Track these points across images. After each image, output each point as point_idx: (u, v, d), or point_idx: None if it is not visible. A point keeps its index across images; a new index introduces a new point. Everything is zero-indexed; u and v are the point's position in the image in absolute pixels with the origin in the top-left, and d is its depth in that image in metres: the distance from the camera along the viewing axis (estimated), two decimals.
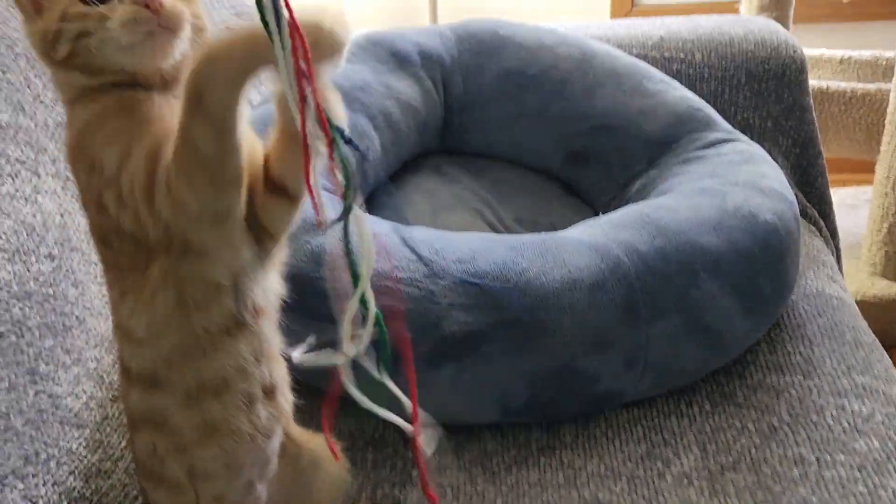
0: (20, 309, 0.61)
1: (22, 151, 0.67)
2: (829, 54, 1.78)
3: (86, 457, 0.63)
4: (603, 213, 0.92)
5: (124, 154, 0.45)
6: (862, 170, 1.98)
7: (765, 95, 1.11)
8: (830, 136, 1.63)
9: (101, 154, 0.46)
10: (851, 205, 1.93)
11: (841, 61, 1.77)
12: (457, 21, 1.11)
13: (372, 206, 0.96)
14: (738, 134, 0.96)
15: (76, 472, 0.62)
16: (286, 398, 0.55)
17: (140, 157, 0.44)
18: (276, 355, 0.53)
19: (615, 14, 2.21)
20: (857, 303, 0.99)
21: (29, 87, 0.70)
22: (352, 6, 2.30)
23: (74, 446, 0.63)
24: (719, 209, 0.79)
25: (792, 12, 1.67)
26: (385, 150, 0.95)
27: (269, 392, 0.52)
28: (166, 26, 0.44)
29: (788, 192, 0.86)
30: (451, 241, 0.75)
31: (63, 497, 0.60)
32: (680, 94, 1.00)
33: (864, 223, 1.66)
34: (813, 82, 1.61)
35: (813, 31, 2.07)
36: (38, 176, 0.68)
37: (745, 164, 0.88)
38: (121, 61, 0.45)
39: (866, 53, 1.75)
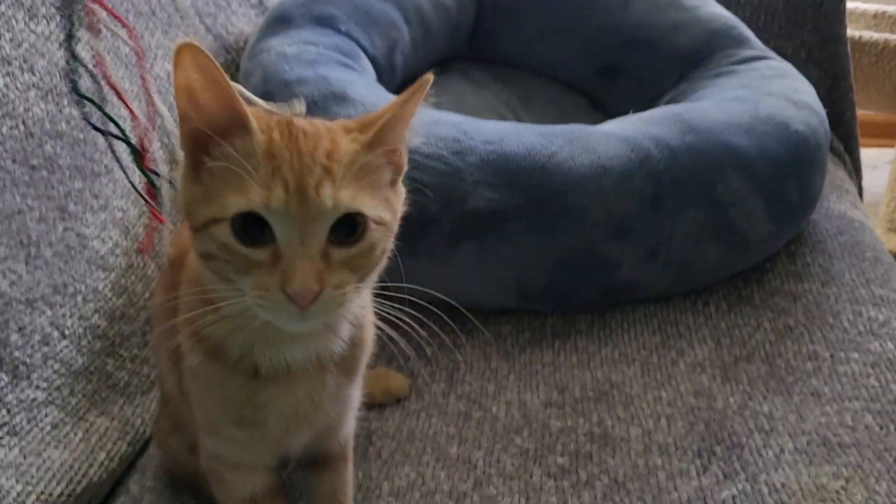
0: (52, 147, 0.62)
1: None
2: (862, 7, 1.75)
3: (111, 299, 0.64)
4: None
5: None
6: (884, 134, 1.97)
7: (800, 24, 1.10)
8: (858, 88, 1.61)
9: None
10: (872, 165, 1.93)
11: (875, 16, 1.74)
12: None
13: None
14: (771, 53, 0.95)
15: (101, 312, 0.63)
16: None
17: None
18: None
19: None
20: None
21: None
22: None
23: (100, 286, 0.63)
24: (751, 115, 0.78)
25: None
26: (414, 46, 0.94)
27: None
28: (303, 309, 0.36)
29: (820, 108, 0.85)
30: (480, 124, 0.75)
31: (87, 332, 0.61)
32: (716, 10, 0.98)
33: (884, 183, 1.65)
34: None
35: None
36: (73, 24, 0.67)
37: (779, 79, 0.87)
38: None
39: None
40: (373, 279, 0.41)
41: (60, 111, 0.63)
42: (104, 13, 0.72)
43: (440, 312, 0.76)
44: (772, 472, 0.57)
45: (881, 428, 0.60)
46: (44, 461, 0.54)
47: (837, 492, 0.55)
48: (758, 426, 0.62)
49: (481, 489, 0.58)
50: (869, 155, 1.99)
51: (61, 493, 0.54)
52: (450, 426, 0.64)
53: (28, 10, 0.63)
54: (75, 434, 0.57)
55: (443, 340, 0.74)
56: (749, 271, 0.80)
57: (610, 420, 0.64)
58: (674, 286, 0.76)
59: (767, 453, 0.59)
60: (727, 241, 0.74)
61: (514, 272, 0.71)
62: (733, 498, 0.55)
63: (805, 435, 0.60)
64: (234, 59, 0.93)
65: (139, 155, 0.68)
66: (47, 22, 0.65)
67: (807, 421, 0.62)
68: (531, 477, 0.59)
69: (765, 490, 0.56)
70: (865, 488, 0.55)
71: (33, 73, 0.62)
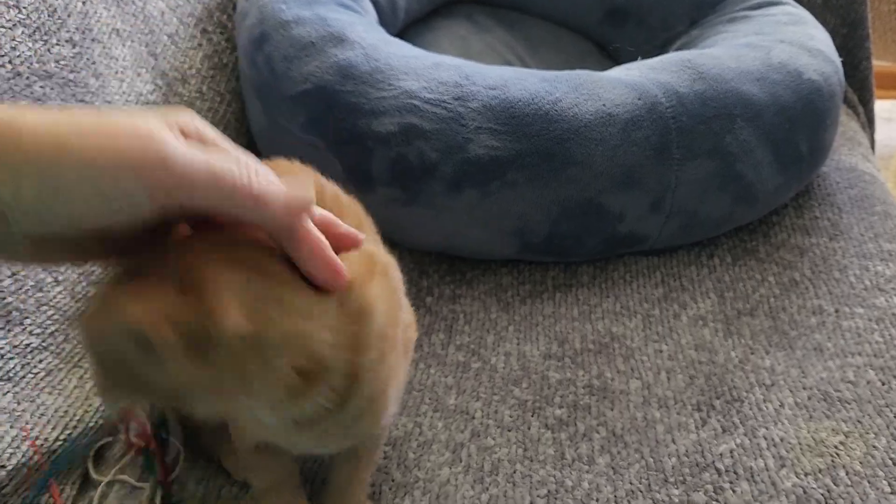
0: (41, 87, 0.60)
1: None
2: None
3: None
4: None
5: None
6: None
7: None
8: (876, 37, 1.56)
9: None
10: (887, 118, 1.89)
11: None
12: None
13: None
14: None
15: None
16: None
17: None
18: None
19: None
20: None
21: None
22: None
23: None
24: (763, 62, 0.75)
25: None
26: None
27: None
28: None
29: (835, 57, 0.82)
30: (483, 69, 0.72)
31: (82, 278, 0.60)
32: None
33: None
34: None
35: None
36: None
37: (793, 25, 0.84)
38: None
39: None
40: None
41: (49, 50, 0.61)
42: None
43: (440, 262, 0.76)
44: (771, 426, 0.57)
45: (883, 384, 0.59)
46: (38, 407, 0.54)
47: (836, 447, 0.54)
48: (758, 380, 0.61)
49: (478, 440, 0.58)
50: (884, 107, 1.95)
51: (56, 439, 0.54)
52: (448, 377, 0.64)
53: None
54: (69, 380, 0.57)
55: (442, 290, 0.74)
56: (755, 224, 0.79)
57: (609, 373, 0.63)
58: (678, 238, 0.74)
59: (767, 407, 0.59)
60: (734, 192, 0.72)
61: (516, 221, 0.70)
62: (731, 451, 0.55)
63: (806, 390, 0.60)
64: None
65: None
66: None
67: (808, 376, 0.61)
68: (529, 428, 0.59)
69: (763, 444, 0.55)
70: (864, 444, 0.54)
71: (20, 10, 0.59)
